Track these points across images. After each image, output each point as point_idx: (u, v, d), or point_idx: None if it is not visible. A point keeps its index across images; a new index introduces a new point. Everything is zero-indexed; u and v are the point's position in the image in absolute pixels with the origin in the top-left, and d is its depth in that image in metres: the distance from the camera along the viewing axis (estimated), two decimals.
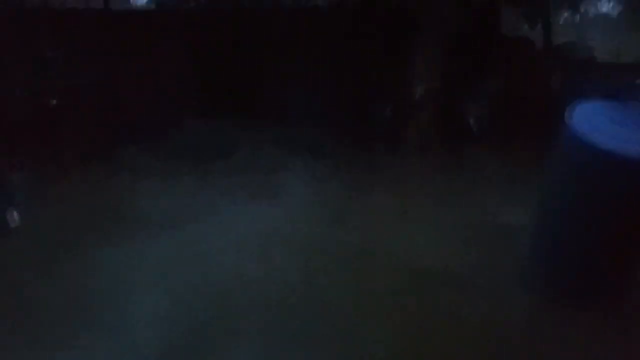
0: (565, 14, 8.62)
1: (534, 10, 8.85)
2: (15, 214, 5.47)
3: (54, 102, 7.61)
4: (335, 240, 5.23)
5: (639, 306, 3.79)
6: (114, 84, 8.94)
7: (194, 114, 9.42)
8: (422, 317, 3.82)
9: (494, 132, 8.76)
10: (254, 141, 8.71)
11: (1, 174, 5.92)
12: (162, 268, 4.45)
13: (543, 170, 4.30)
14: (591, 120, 2.63)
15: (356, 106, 9.17)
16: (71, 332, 3.56)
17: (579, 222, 3.37)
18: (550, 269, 3.77)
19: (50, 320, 3.75)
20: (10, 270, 4.50)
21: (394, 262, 4.72)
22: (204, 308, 3.92)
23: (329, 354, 3.44)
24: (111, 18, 10.42)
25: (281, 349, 3.44)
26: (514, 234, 4.89)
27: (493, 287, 4.16)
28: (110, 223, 5.45)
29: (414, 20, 7.53)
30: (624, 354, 3.38)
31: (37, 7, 9.06)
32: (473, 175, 7.14)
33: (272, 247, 4.96)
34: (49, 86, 8.03)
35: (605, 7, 7.61)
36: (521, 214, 4.96)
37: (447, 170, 7.41)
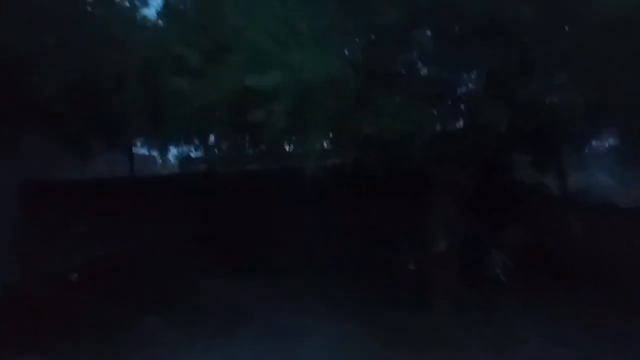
0: (579, 160, 8.69)
1: (547, 158, 9.01)
2: None
3: (75, 276, 7.56)
4: None
5: None
6: (134, 252, 9.03)
7: (212, 276, 9.40)
8: None
9: (522, 281, 8.52)
10: (274, 304, 8.54)
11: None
12: None
13: None
14: None
15: (380, 265, 9.10)
16: None
17: None
18: None
19: None
20: None
21: None
22: None
23: None
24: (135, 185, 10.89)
25: None
26: None
27: None
28: None
29: (431, 178, 7.68)
30: None
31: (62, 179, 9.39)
32: (508, 332, 6.81)
33: None
34: (70, 260, 8.07)
35: (619, 153, 7.71)
36: None
37: (480, 327, 7.08)
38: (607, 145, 8.18)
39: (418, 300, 8.03)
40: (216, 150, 9.38)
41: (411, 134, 5.92)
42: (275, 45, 5.18)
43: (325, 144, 7.69)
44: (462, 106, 6.91)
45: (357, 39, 5.60)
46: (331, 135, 7.05)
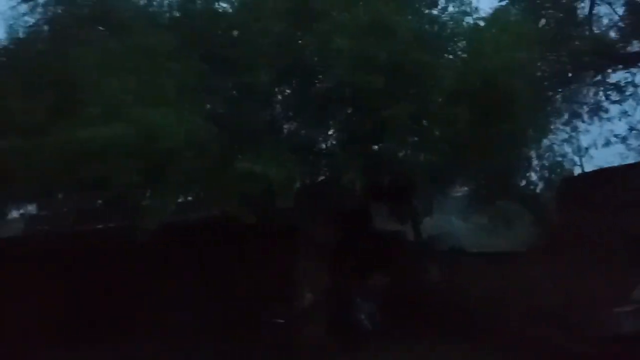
0: (432, 209, 9.22)
1: (402, 209, 9.51)
2: None
3: None
4: None
5: None
6: None
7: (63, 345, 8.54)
8: None
9: (387, 326, 8.77)
10: None
11: None
12: None
13: None
14: None
15: (247, 319, 8.87)
16: None
17: None
18: None
19: None
20: None
21: None
22: None
23: None
24: None
25: None
26: None
27: None
28: None
29: (296, 231, 7.72)
30: None
31: None
32: None
33: None
34: None
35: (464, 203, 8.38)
36: None
37: None
38: (457, 194, 8.80)
39: (286, 354, 7.93)
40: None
41: (276, 188, 5.93)
42: (132, 101, 4.96)
43: (186, 198, 7.47)
44: (324, 161, 7.11)
45: (221, 97, 5.56)
46: (192, 189, 6.85)
